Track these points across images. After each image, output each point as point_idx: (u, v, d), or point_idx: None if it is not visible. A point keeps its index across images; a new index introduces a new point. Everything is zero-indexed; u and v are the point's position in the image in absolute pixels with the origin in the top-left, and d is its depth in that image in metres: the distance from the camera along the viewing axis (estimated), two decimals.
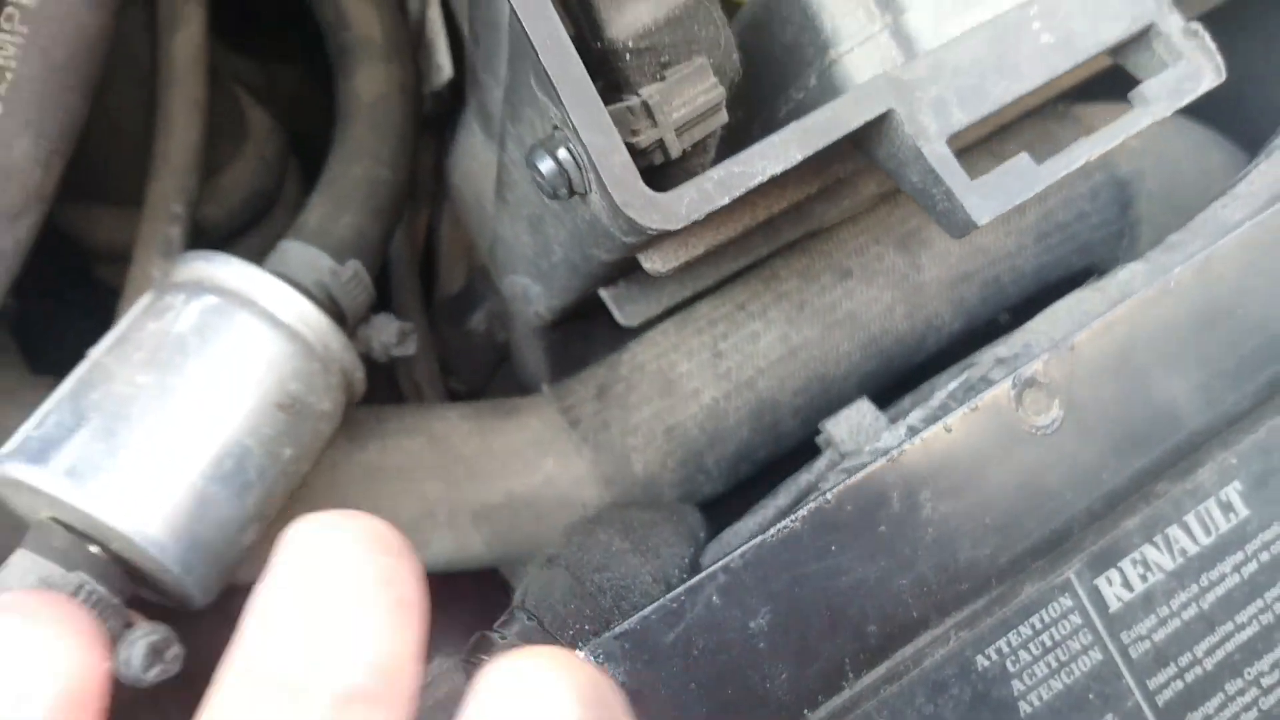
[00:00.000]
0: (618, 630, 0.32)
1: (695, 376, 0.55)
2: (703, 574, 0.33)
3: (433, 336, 0.67)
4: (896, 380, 0.58)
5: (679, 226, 0.33)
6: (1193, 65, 0.38)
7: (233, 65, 0.71)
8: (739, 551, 0.33)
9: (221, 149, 0.61)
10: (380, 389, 0.62)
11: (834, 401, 0.54)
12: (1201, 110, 0.61)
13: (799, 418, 0.55)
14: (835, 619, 0.34)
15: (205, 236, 0.60)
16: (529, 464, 0.54)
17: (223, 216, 0.61)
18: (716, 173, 0.33)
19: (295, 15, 0.73)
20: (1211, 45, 0.38)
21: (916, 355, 0.57)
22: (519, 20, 0.32)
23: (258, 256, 0.54)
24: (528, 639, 0.33)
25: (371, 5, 0.60)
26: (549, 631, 0.33)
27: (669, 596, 0.32)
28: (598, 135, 0.33)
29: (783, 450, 0.56)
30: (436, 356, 0.67)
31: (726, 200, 0.33)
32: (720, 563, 0.33)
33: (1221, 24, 0.59)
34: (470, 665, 0.34)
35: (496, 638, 0.34)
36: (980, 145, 0.57)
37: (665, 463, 0.54)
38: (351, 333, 0.51)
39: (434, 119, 0.65)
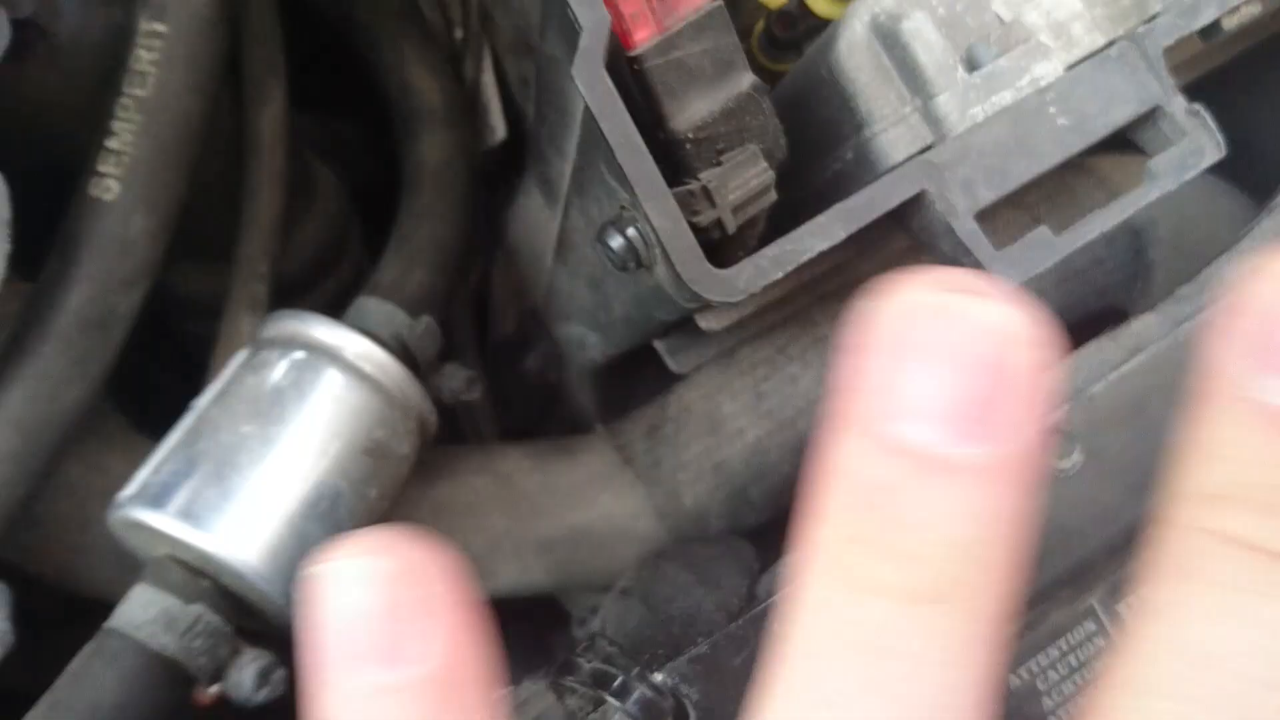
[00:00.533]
0: (691, 655, 0.36)
1: (739, 416, 0.59)
2: (762, 605, 0.37)
3: (488, 377, 0.72)
4: None
5: (739, 299, 0.37)
6: (1196, 143, 0.42)
7: (295, 122, 0.76)
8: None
9: (292, 208, 0.66)
10: (441, 427, 0.66)
11: None
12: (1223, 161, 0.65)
13: None
14: None
15: (280, 289, 0.65)
16: (587, 499, 0.58)
17: (296, 270, 0.66)
18: (771, 250, 0.38)
19: (350, 70, 0.78)
20: (1212, 124, 0.42)
21: None
22: (595, 120, 0.37)
23: (328, 305, 0.59)
24: (610, 663, 0.37)
25: (432, 75, 0.65)
26: (627, 655, 0.38)
27: (735, 625, 0.37)
28: (665, 220, 0.37)
29: None
30: (492, 397, 0.72)
31: (780, 274, 0.38)
32: (778, 594, 0.37)
33: (1234, 78, 0.64)
34: (558, 687, 0.38)
35: (582, 662, 0.38)
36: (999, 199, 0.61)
37: (713, 496, 0.58)
38: (424, 381, 0.56)
39: (487, 176, 0.70)
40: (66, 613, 0.58)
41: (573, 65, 0.37)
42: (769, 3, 0.59)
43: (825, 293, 0.56)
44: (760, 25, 0.59)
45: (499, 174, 0.70)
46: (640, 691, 0.36)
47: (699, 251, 0.37)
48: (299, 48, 0.62)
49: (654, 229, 0.38)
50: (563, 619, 0.68)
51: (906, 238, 0.52)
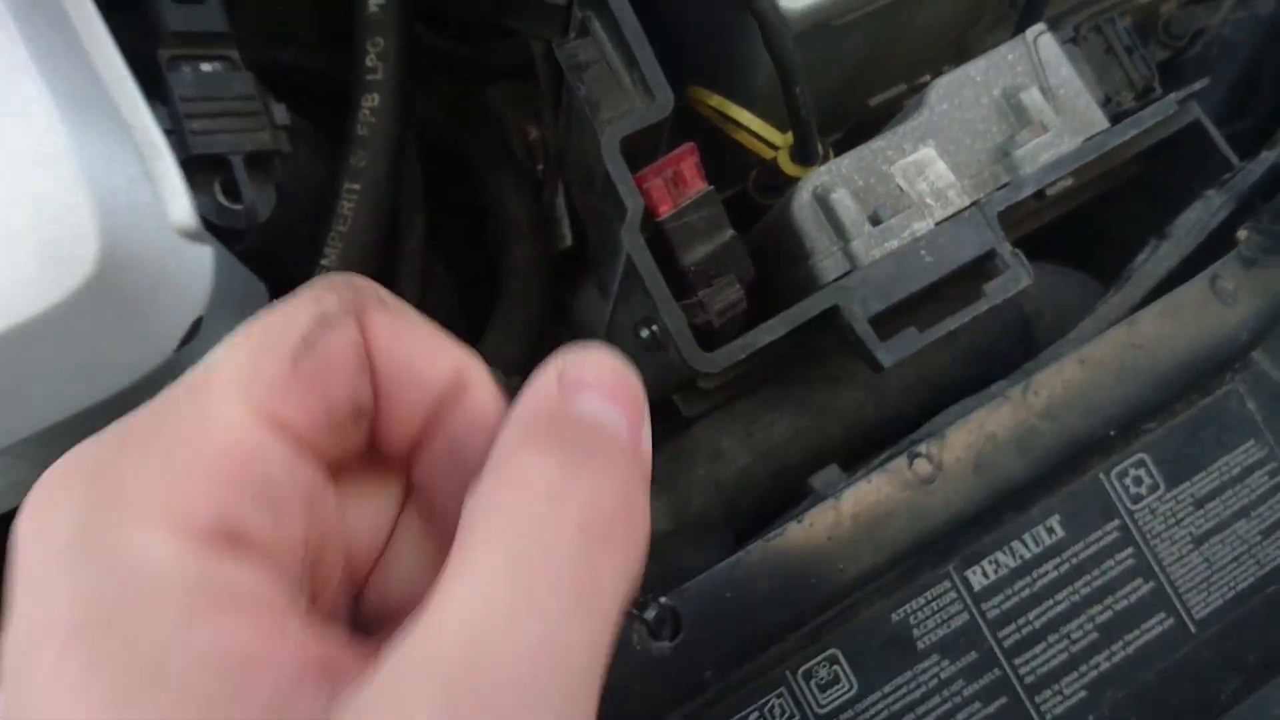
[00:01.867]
0: (685, 586, 0.60)
1: (733, 450, 0.83)
2: (732, 557, 0.61)
3: None
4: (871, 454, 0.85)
5: (718, 370, 0.62)
6: (1016, 273, 0.66)
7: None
8: (750, 546, 0.61)
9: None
10: None
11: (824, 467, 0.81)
12: (1096, 260, 0.89)
13: (800, 477, 0.83)
14: (803, 586, 0.62)
15: None
16: None
17: None
18: (738, 341, 0.62)
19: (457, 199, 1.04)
20: (1025, 262, 0.66)
21: (883, 437, 0.85)
22: (633, 263, 0.62)
23: None
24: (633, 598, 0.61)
25: (520, 198, 0.90)
26: (643, 589, 0.61)
27: (713, 569, 0.60)
28: (675, 322, 0.62)
29: (792, 499, 0.84)
30: None
31: (743, 356, 0.62)
32: (741, 550, 0.61)
33: (1116, 202, 0.87)
34: None
35: None
36: (920, 303, 0.85)
37: (713, 505, 0.82)
38: None
39: (559, 272, 0.95)
40: None
41: (621, 230, 0.62)
42: (762, 154, 0.84)
43: (796, 361, 0.80)
44: (754, 174, 0.84)
45: (567, 271, 0.95)
46: (653, 607, 0.60)
47: (694, 342, 0.61)
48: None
49: (669, 327, 0.62)
50: None
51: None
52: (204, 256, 0.61)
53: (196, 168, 0.65)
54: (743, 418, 0.83)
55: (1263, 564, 0.69)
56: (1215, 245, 0.74)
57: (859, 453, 0.85)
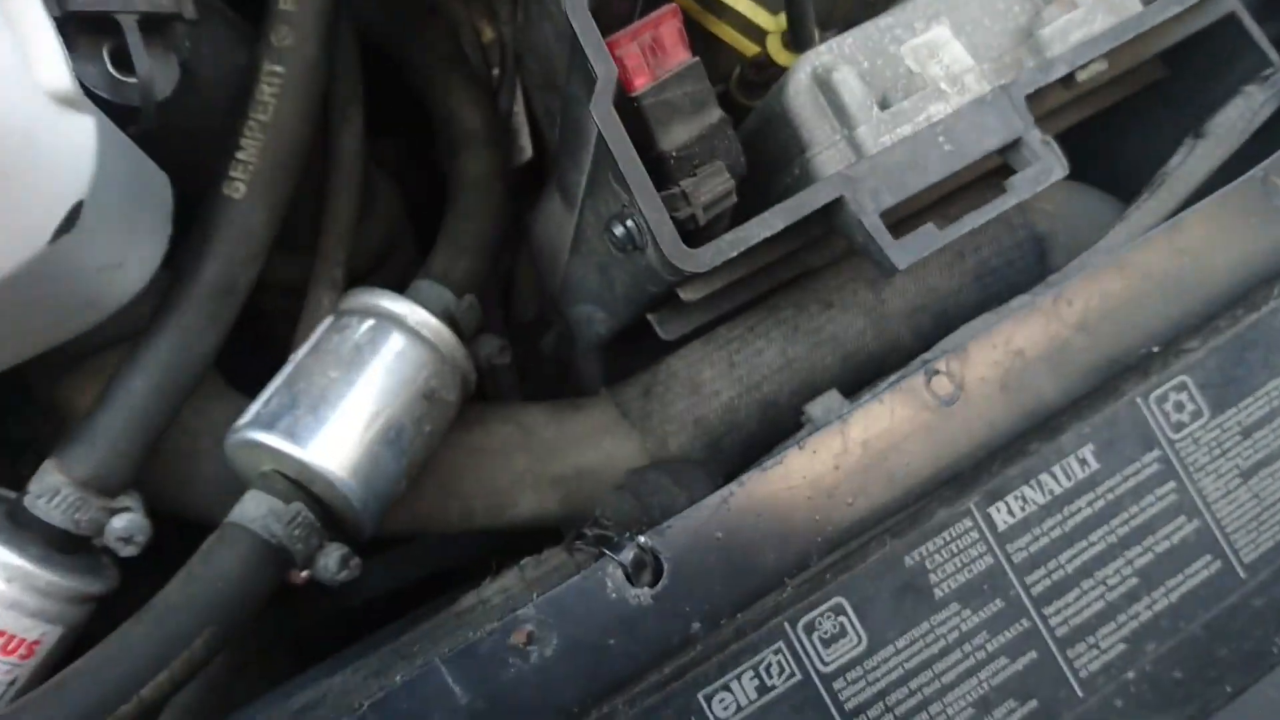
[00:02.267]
0: (667, 524, 0.51)
1: (716, 381, 0.73)
2: (723, 489, 0.52)
3: (513, 354, 0.87)
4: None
5: (705, 270, 0.52)
6: (1047, 164, 0.57)
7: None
8: (743, 476, 0.52)
9: (360, 210, 0.81)
10: (474, 396, 0.81)
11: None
12: (1109, 182, 0.80)
13: (793, 413, 0.74)
14: (804, 522, 0.53)
15: (348, 276, 0.79)
16: (593, 444, 0.73)
17: (360, 260, 0.81)
18: (728, 236, 0.53)
19: (402, 101, 0.94)
20: (1059, 151, 0.57)
21: (883, 368, 0.76)
22: (606, 145, 0.52)
23: (386, 288, 0.73)
24: (606, 539, 0.52)
25: (475, 104, 0.80)
26: (620, 527, 0.52)
27: (702, 502, 0.51)
28: (655, 213, 0.52)
29: (780, 437, 0.75)
30: (515, 368, 0.86)
31: (734, 254, 0.52)
32: (733, 483, 0.52)
33: (1128, 116, 0.78)
34: (570, 549, 0.53)
35: (587, 533, 0.53)
36: (934, 207, 0.76)
37: (693, 445, 0.73)
38: (467, 346, 0.70)
39: (516, 188, 0.85)
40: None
41: (590, 103, 0.52)
42: (745, 52, 0.75)
43: (785, 282, 0.70)
44: (737, 71, 0.75)
45: (525, 188, 0.85)
46: (630, 548, 0.50)
47: (678, 236, 0.52)
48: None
49: (646, 220, 0.52)
50: None
51: (843, 240, 0.67)
52: (84, 130, 0.50)
53: (79, 29, 0.54)
54: (726, 346, 0.74)
55: None
56: (1258, 147, 0.66)
57: (855, 386, 0.76)
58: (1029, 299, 0.60)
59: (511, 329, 0.91)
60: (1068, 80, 0.60)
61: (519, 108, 0.82)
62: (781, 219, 0.53)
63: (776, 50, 0.67)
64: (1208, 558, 0.59)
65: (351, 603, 1.00)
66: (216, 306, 0.62)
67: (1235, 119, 0.66)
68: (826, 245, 0.68)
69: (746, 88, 0.73)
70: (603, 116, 0.51)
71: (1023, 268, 0.77)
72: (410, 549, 1.06)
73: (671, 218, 0.53)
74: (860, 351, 0.74)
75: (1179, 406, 0.60)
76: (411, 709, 0.46)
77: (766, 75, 0.71)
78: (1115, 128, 0.79)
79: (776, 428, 0.74)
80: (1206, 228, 0.60)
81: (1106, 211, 0.78)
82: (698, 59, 0.55)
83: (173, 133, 0.61)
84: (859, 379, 0.76)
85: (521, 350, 0.87)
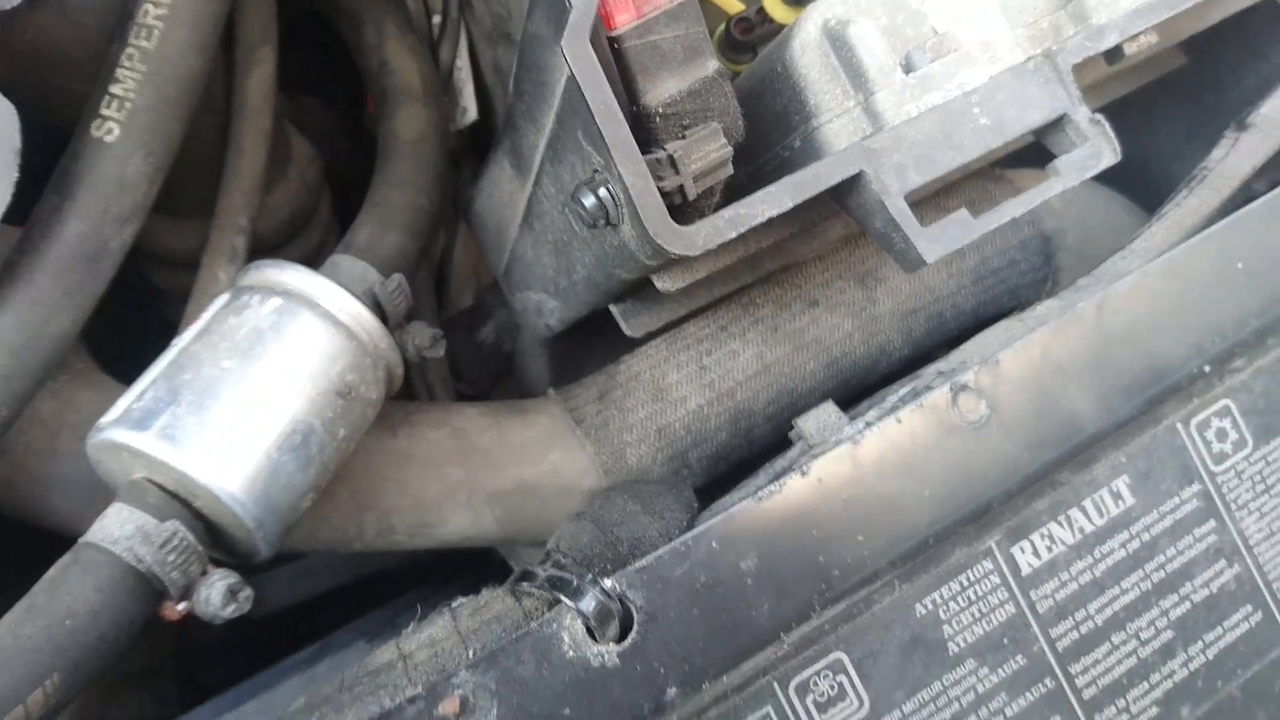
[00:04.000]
0: (638, 565, 0.41)
1: (683, 386, 0.64)
2: (706, 524, 0.42)
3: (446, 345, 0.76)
4: (852, 397, 0.67)
5: (697, 253, 0.42)
6: (1096, 147, 0.48)
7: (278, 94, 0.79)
8: (734, 508, 0.42)
9: (270, 173, 0.69)
10: (400, 394, 0.70)
11: (800, 411, 0.63)
12: (1115, 179, 0.73)
13: (769, 425, 0.64)
14: (807, 565, 0.43)
15: (252, 248, 0.67)
16: (538, 455, 0.62)
17: (268, 231, 0.69)
18: (728, 212, 0.43)
19: (322, 52, 0.82)
20: (1110, 132, 0.48)
21: (870, 376, 0.67)
22: (579, 89, 0.41)
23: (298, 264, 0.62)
24: (565, 570, 0.42)
25: (411, 55, 0.69)
26: (580, 566, 0.42)
27: (678, 540, 0.41)
28: (637, 180, 0.42)
29: (754, 452, 0.65)
30: (448, 363, 0.75)
31: (734, 235, 0.43)
32: (719, 516, 0.42)
33: (1136, 108, 0.71)
34: (517, 593, 0.42)
35: (539, 571, 0.42)
36: (930, 199, 0.67)
37: (655, 458, 0.63)
38: (392, 335, 0.59)
39: (456, 154, 0.74)
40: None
41: (561, 38, 0.41)
42: (729, 8, 0.65)
43: (767, 274, 0.61)
44: (721, 29, 0.65)
45: (466, 155, 0.74)
46: (592, 594, 0.40)
47: (664, 208, 0.42)
48: (283, 31, 0.65)
49: (625, 188, 0.42)
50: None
51: (842, 226, 0.58)
52: None
53: None
54: (696, 346, 0.64)
55: None
56: None
57: (841, 395, 0.67)
58: (1062, 304, 0.52)
59: (445, 317, 0.80)
60: (1113, 53, 0.52)
61: (463, 62, 0.71)
62: (790, 195, 0.43)
63: (774, 4, 0.57)
64: (1248, 608, 0.51)
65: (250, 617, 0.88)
66: (79, 275, 0.50)
67: None
68: (820, 234, 0.59)
69: (732, 49, 0.63)
70: (576, 54, 0.41)
71: (1027, 269, 0.69)
72: (320, 558, 0.95)
73: (656, 188, 0.43)
74: (847, 357, 0.65)
75: (1221, 435, 0.52)
76: None
77: (755, 35, 0.62)
78: (1126, 121, 0.72)
79: (750, 441, 0.65)
80: (1263, 231, 0.52)
81: (1119, 210, 0.71)
82: None
83: (26, 54, 0.49)
84: (845, 388, 0.67)
85: (456, 342, 0.76)
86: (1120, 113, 0.71)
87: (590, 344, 0.69)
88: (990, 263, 0.68)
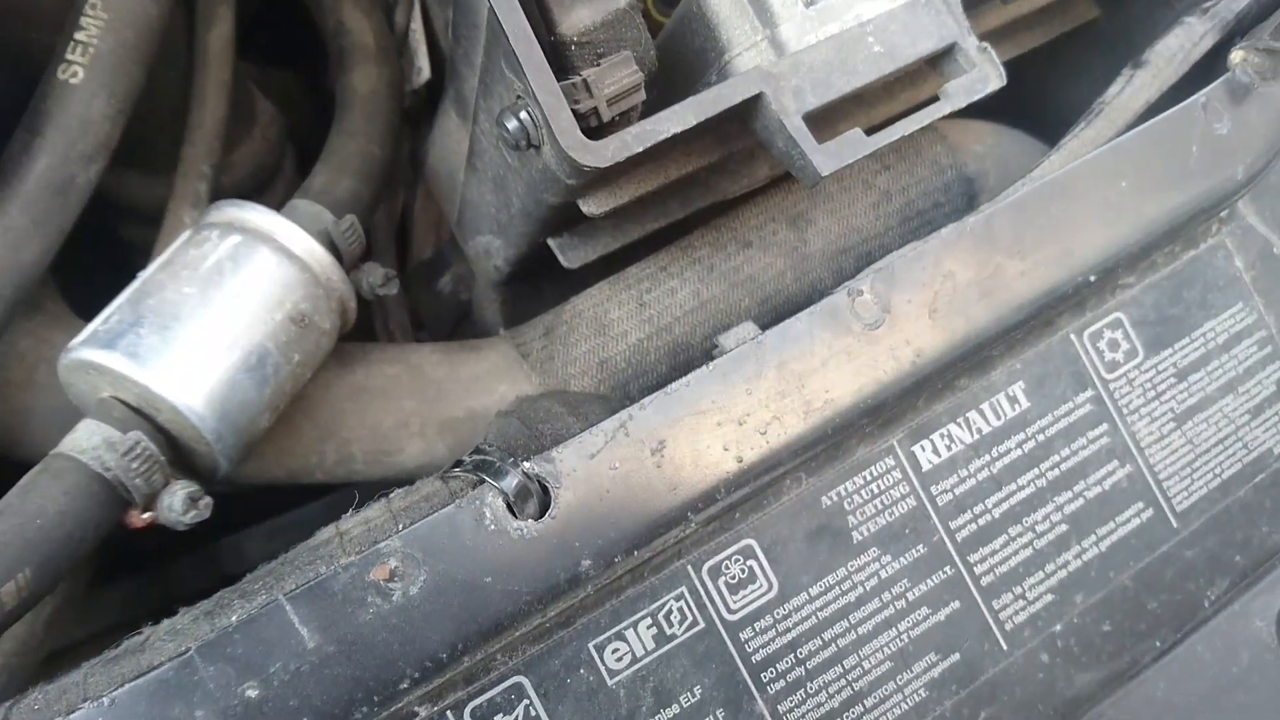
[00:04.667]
0: (556, 450, 0.45)
1: (624, 322, 0.67)
2: (619, 413, 0.46)
3: (406, 296, 0.80)
4: None
5: (606, 164, 0.46)
6: (983, 72, 0.52)
7: (239, 60, 0.83)
8: (647, 399, 0.46)
9: (234, 130, 0.73)
10: (361, 339, 0.73)
11: None
12: (1037, 128, 0.77)
13: (706, 357, 0.68)
14: (716, 454, 0.47)
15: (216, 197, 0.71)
16: (487, 387, 0.66)
17: (232, 186, 0.73)
18: (634, 129, 0.47)
19: (286, 24, 0.86)
20: (996, 59, 0.52)
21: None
22: (496, 18, 0.45)
23: None
24: (487, 464, 0.45)
25: (366, 16, 0.73)
26: (503, 453, 0.46)
27: (594, 428, 0.45)
28: (551, 99, 0.46)
29: None
30: (408, 312, 0.79)
31: (640, 149, 0.47)
32: (633, 405, 0.46)
33: (1059, 62, 0.75)
34: (446, 477, 0.46)
35: (466, 460, 0.46)
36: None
37: (598, 389, 0.66)
38: (347, 272, 0.63)
39: (412, 114, 0.78)
40: None
41: None
42: None
43: (701, 215, 0.65)
44: None
45: (423, 115, 0.78)
46: (513, 475, 0.44)
47: (575, 124, 0.46)
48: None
49: (542, 109, 0.46)
50: None
51: (768, 166, 0.62)
52: None
53: None
54: (636, 285, 0.68)
55: (1250, 448, 0.58)
56: (1198, 82, 0.62)
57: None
58: (959, 226, 0.55)
59: (407, 272, 0.84)
60: None
61: (416, 24, 0.75)
62: (694, 113, 0.47)
63: None
64: (1139, 505, 0.55)
65: (230, 572, 0.92)
66: (46, 207, 0.54)
67: (1175, 49, 0.62)
68: (745, 172, 0.62)
69: (664, 1, 0.67)
70: None
71: (950, 211, 0.73)
72: (295, 514, 0.98)
73: (571, 110, 0.47)
74: (779, 294, 0.69)
75: (1113, 345, 0.56)
76: (248, 653, 0.39)
77: None
78: (1044, 72, 0.76)
79: (689, 371, 0.68)
80: (1146, 153, 0.56)
81: (1038, 154, 0.74)
82: None
83: (2, 11, 0.53)
84: (777, 322, 0.70)
85: (416, 293, 0.80)
86: (1041, 64, 0.75)
87: (541, 291, 0.73)
88: (915, 204, 0.71)
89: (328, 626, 0.40)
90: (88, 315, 0.68)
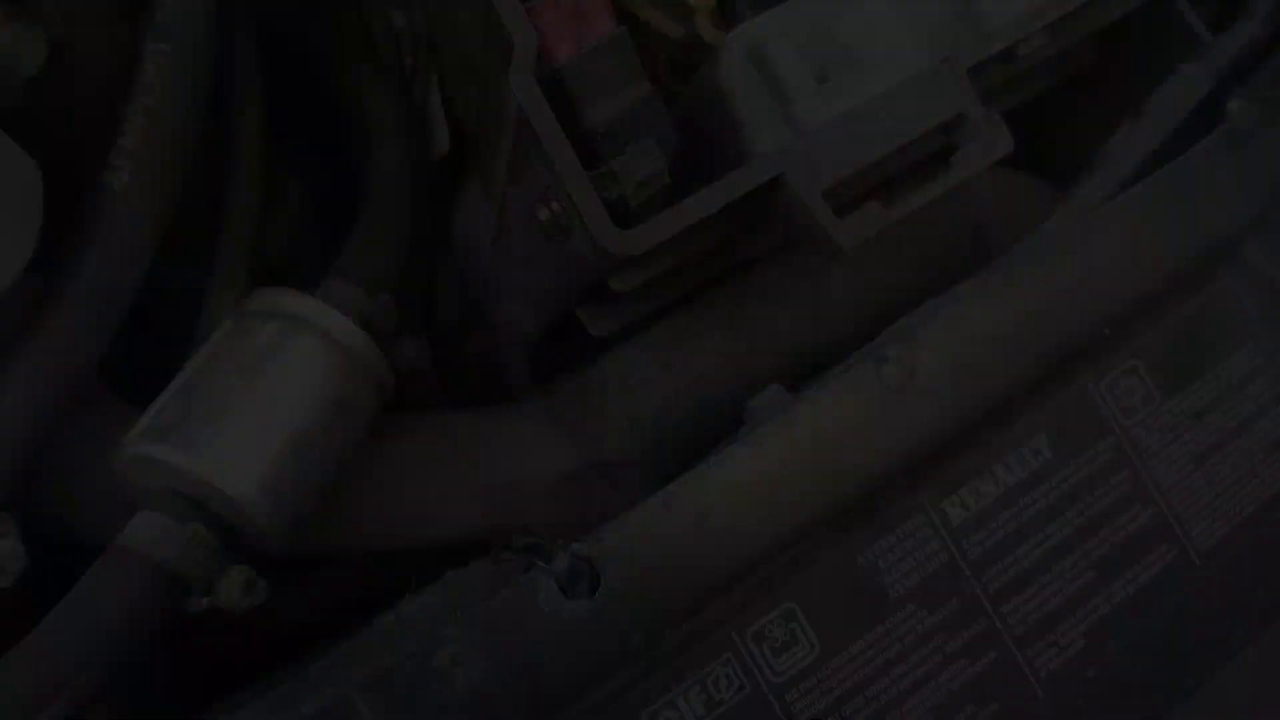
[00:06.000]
0: (605, 525, 0.47)
1: (650, 382, 0.69)
2: (660, 492, 0.48)
3: (435, 363, 0.82)
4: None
5: (638, 252, 0.48)
6: (990, 140, 0.54)
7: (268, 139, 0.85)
8: (683, 476, 0.48)
9: (265, 210, 0.75)
10: (393, 405, 0.75)
11: None
12: (1047, 172, 0.79)
13: (732, 411, 0.70)
14: (755, 524, 0.49)
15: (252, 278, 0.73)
16: (522, 452, 0.68)
17: (264, 265, 0.75)
18: (662, 216, 0.49)
19: (310, 101, 0.88)
20: (1003, 126, 0.54)
21: (823, 362, 0.73)
22: (527, 120, 0.48)
23: None
24: (537, 547, 0.47)
25: (386, 95, 0.75)
26: (552, 539, 0.48)
27: (640, 504, 0.47)
28: (582, 191, 0.48)
29: (720, 436, 0.71)
30: (437, 377, 0.81)
31: (669, 235, 0.49)
32: (673, 483, 0.48)
33: (1064, 108, 0.77)
34: (497, 559, 0.48)
35: (515, 541, 0.48)
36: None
37: (630, 449, 0.68)
38: (381, 349, 0.65)
39: (434, 182, 0.80)
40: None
41: (509, 76, 0.48)
42: (670, 34, 0.71)
43: (721, 274, 0.67)
44: (665, 56, 0.71)
45: (444, 184, 0.80)
46: (563, 558, 0.46)
47: (606, 216, 0.48)
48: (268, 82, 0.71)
49: (573, 201, 0.48)
50: None
51: (783, 225, 0.64)
52: None
53: None
54: (659, 344, 0.70)
55: (1267, 485, 0.60)
56: (1196, 128, 0.65)
57: (798, 381, 0.73)
58: (976, 283, 0.57)
59: (435, 335, 0.86)
60: (1008, 55, 0.58)
61: (435, 98, 0.77)
62: (718, 197, 0.49)
63: (705, 28, 0.63)
64: (1164, 547, 0.57)
65: (272, 636, 0.93)
66: (97, 310, 0.56)
67: (1172, 99, 0.64)
68: (762, 231, 0.65)
69: (674, 70, 0.69)
70: (521, 86, 0.47)
71: (959, 257, 0.75)
72: (335, 571, 1.00)
73: (600, 199, 0.49)
74: (801, 346, 0.71)
75: (1130, 391, 0.58)
76: None
77: (696, 55, 0.68)
78: (1045, 118, 0.78)
79: (717, 428, 0.70)
80: (1154, 203, 0.58)
81: (1044, 197, 0.76)
82: (624, 28, 0.51)
83: (45, 116, 0.55)
84: (801, 375, 0.72)
85: (447, 356, 0.82)
86: (1043, 109, 0.77)
87: (567, 350, 0.75)
88: (927, 253, 0.73)
89: (397, 715, 0.42)
90: (127, 390, 0.70)
